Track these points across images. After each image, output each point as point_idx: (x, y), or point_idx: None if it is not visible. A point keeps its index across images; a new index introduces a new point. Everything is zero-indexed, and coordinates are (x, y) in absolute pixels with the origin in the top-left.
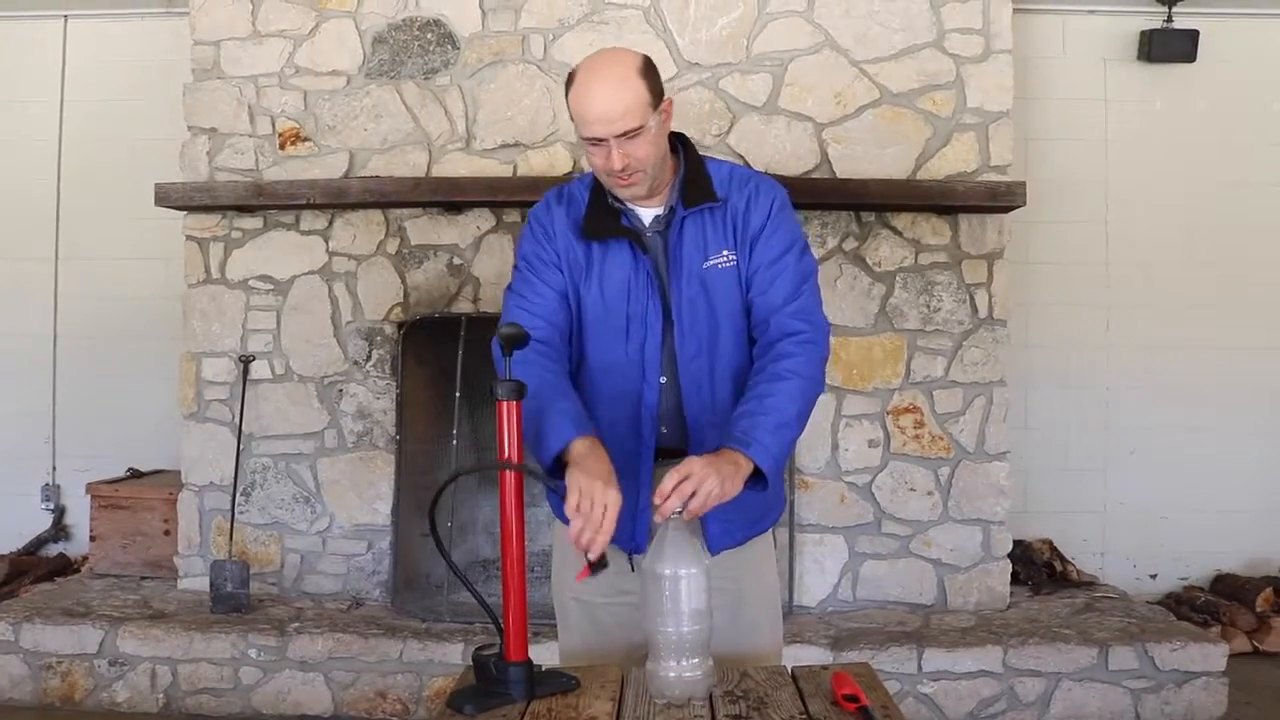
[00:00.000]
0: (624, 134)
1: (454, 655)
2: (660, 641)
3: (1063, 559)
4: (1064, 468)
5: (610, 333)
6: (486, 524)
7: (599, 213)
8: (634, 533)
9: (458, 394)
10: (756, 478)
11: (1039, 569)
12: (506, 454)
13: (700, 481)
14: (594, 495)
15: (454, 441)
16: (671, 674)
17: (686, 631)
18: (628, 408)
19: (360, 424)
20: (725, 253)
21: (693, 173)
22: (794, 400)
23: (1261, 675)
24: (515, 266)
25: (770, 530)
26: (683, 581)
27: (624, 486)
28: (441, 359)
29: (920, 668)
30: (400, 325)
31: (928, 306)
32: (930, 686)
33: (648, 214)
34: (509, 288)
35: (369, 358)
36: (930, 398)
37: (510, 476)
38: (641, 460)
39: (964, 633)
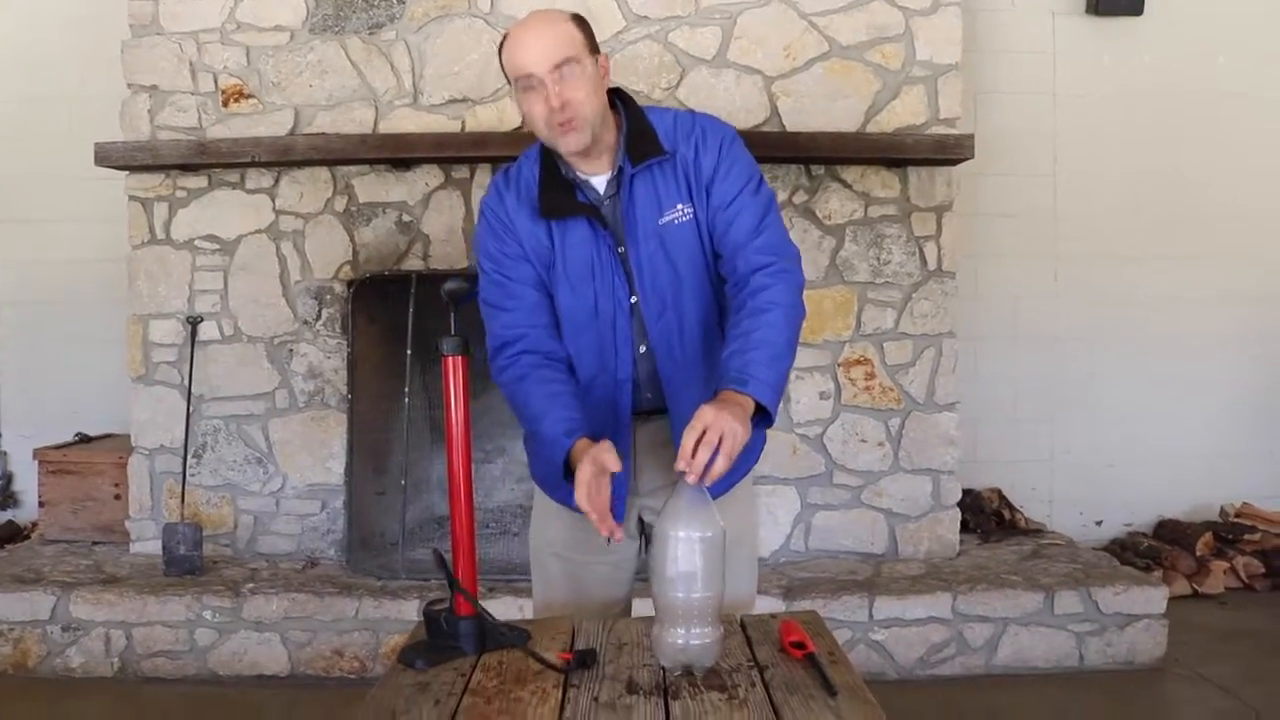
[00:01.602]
0: (558, 65)
1: (409, 612)
2: (669, 607)
3: (1011, 507)
4: (1013, 418)
5: (581, 314)
6: (440, 481)
7: (553, 189)
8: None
9: (409, 351)
10: (759, 415)
11: (988, 517)
12: (452, 411)
13: (721, 429)
14: (587, 491)
15: (406, 399)
16: (679, 641)
17: (698, 598)
18: (606, 387)
19: (311, 384)
20: (680, 206)
21: (636, 128)
22: (780, 329)
23: (1200, 616)
24: (480, 269)
25: (749, 474)
26: (698, 545)
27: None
28: (392, 317)
29: (871, 615)
30: (350, 284)
31: (878, 259)
32: (881, 633)
33: (600, 182)
34: (481, 298)
35: (319, 317)
36: (880, 350)
37: (458, 431)
38: (618, 434)
39: (914, 580)
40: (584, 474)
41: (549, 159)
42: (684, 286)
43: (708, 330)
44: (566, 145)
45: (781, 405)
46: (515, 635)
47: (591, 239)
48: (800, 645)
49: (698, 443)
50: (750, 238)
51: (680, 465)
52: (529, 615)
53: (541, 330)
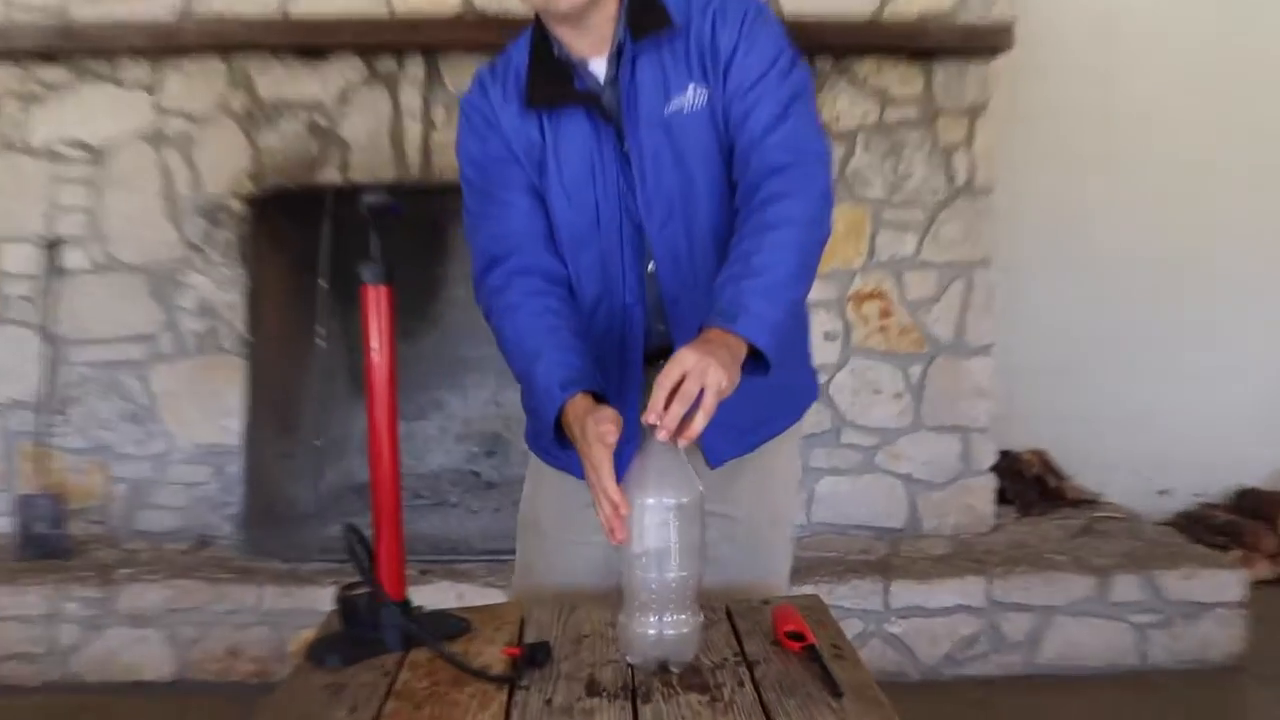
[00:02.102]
0: None
1: (324, 601)
2: (638, 589)
3: (1056, 473)
4: (1060, 365)
5: (580, 226)
6: (362, 441)
7: (545, 74)
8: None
9: (323, 283)
10: (755, 360)
11: (1028, 485)
12: (375, 354)
13: (701, 377)
14: (596, 481)
15: (319, 342)
16: (650, 631)
17: (673, 579)
18: (611, 315)
19: (202, 323)
20: (691, 87)
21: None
22: (787, 253)
23: None
24: (462, 176)
25: (794, 429)
26: (671, 514)
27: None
28: (303, 241)
29: (887, 603)
30: (250, 200)
31: (895, 172)
32: (899, 625)
33: (599, 65)
34: (465, 214)
35: (212, 241)
36: (899, 281)
37: (381, 379)
38: (626, 376)
39: (939, 561)
40: (600, 456)
41: (541, 42)
42: (695, 190)
43: (722, 245)
44: (560, 6)
45: None
46: (452, 625)
47: (591, 134)
48: (798, 636)
49: (673, 393)
50: (768, 131)
51: (650, 419)
52: (471, 602)
53: (536, 243)
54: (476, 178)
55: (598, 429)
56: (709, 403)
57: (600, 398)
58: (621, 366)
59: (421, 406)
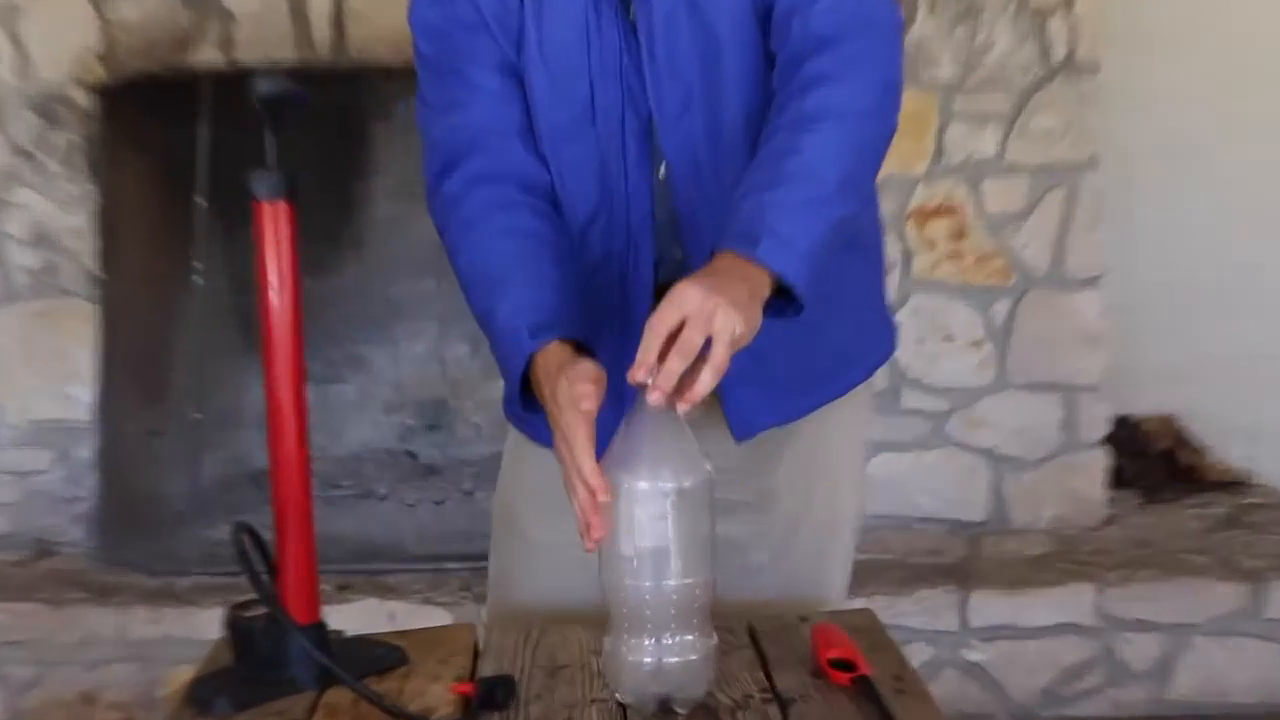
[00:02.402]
0: None
1: (208, 628)
2: (627, 604)
3: (1191, 446)
4: (1193, 302)
5: (567, 117)
6: (258, 415)
7: None
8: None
9: (200, 201)
10: (785, 299)
11: (1154, 462)
12: (274, 296)
13: (707, 322)
14: (567, 458)
15: (196, 280)
16: (646, 660)
17: (673, 588)
18: (610, 237)
19: (37, 256)
20: None
21: None
22: (833, 154)
23: None
24: (416, 53)
25: (859, 393)
26: (669, 502)
27: (607, 360)
28: (172, 145)
29: (965, 621)
30: (100, 91)
31: (970, 44)
32: (982, 650)
33: None
34: (419, 103)
35: (47, 146)
36: (976, 191)
37: (283, 329)
38: (627, 320)
39: (1034, 564)
40: (573, 425)
41: None
42: (722, 67)
43: (756, 142)
44: None
45: None
46: (382, 656)
47: None
48: (846, 665)
49: (670, 342)
50: None
51: (638, 376)
52: (406, 625)
53: (508, 139)
54: (433, 52)
55: (572, 390)
56: (718, 356)
57: (584, 349)
58: (621, 308)
59: (337, 366)
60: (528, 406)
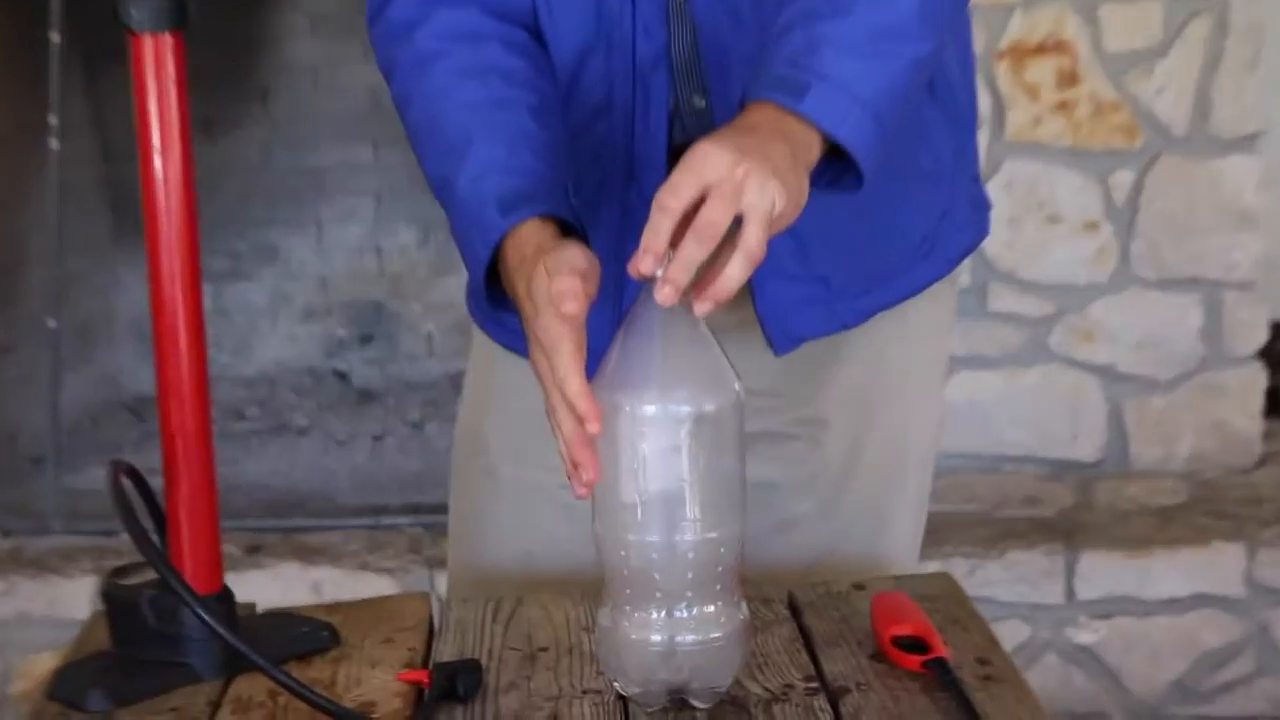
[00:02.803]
0: None
1: (77, 602)
2: (629, 566)
3: None
4: None
5: None
6: (137, 324)
7: None
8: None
9: (54, 36)
10: (839, 164)
11: None
12: (158, 161)
13: (736, 195)
14: (547, 376)
15: (52, 142)
16: (655, 638)
17: (690, 545)
18: (612, 79)
19: None
20: None
21: None
22: None
23: None
24: None
25: (939, 290)
26: (684, 432)
27: (602, 246)
28: None
29: (1072, 592)
30: None
31: None
32: (1093, 630)
33: None
34: None
35: None
36: (1092, 22)
37: (171, 206)
38: (632, 192)
39: (1164, 518)
40: (555, 333)
41: None
42: None
43: None
44: None
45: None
46: (306, 637)
47: None
48: (917, 645)
49: (687, 222)
50: None
51: (643, 266)
52: (337, 595)
53: None
54: None
55: (554, 285)
56: (752, 241)
57: (571, 229)
58: (624, 174)
59: (243, 258)
60: (496, 304)
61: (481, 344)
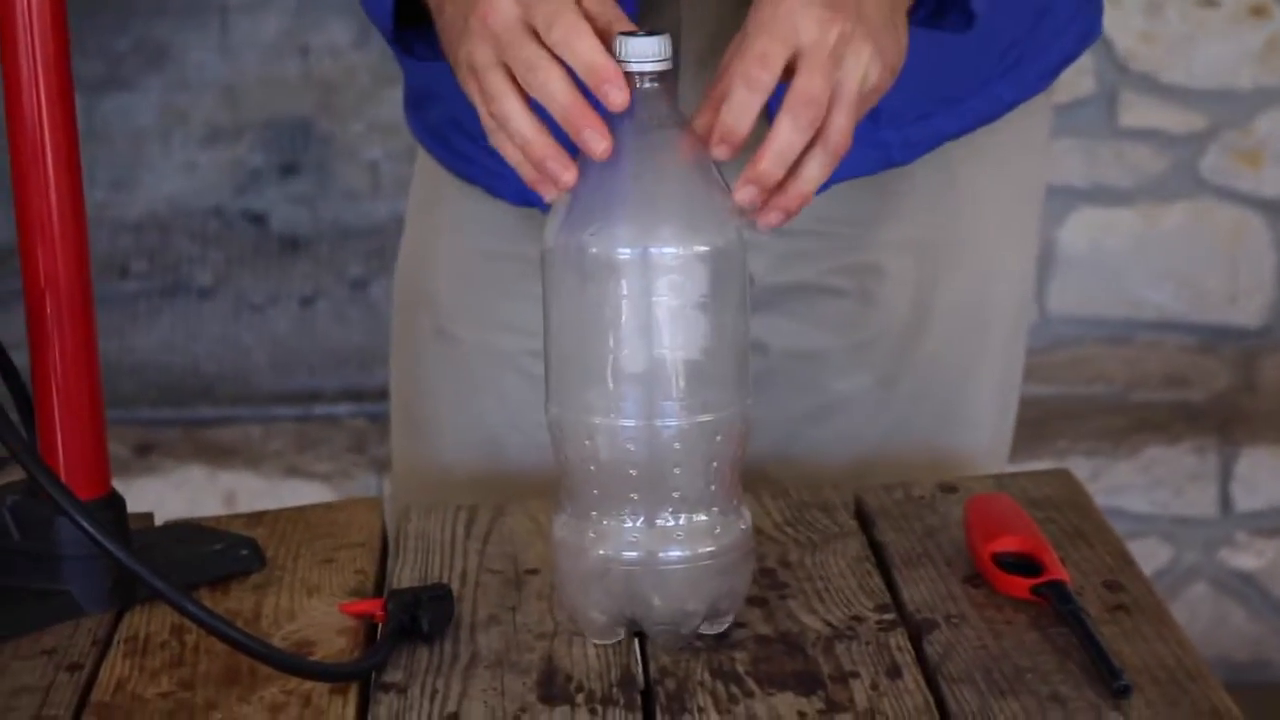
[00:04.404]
0: None
1: None
2: (595, 461)
3: None
4: None
5: None
6: None
7: None
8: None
9: None
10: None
11: None
12: None
13: (831, 67)
14: (517, 58)
15: None
16: (630, 555)
17: (673, 431)
18: None
19: None
20: None
21: None
22: None
23: None
24: None
25: (1036, 104)
26: (667, 281)
27: None
28: None
29: (1228, 500)
30: None
31: None
32: (1256, 552)
33: None
34: None
35: None
36: None
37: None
38: None
39: None
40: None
41: None
42: None
43: None
44: None
45: None
46: (224, 557)
47: None
48: (1027, 566)
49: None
50: None
51: (744, 196)
52: (255, 506)
53: None
54: None
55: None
56: (838, 131)
57: None
58: None
59: (124, 60)
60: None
61: (426, 171)
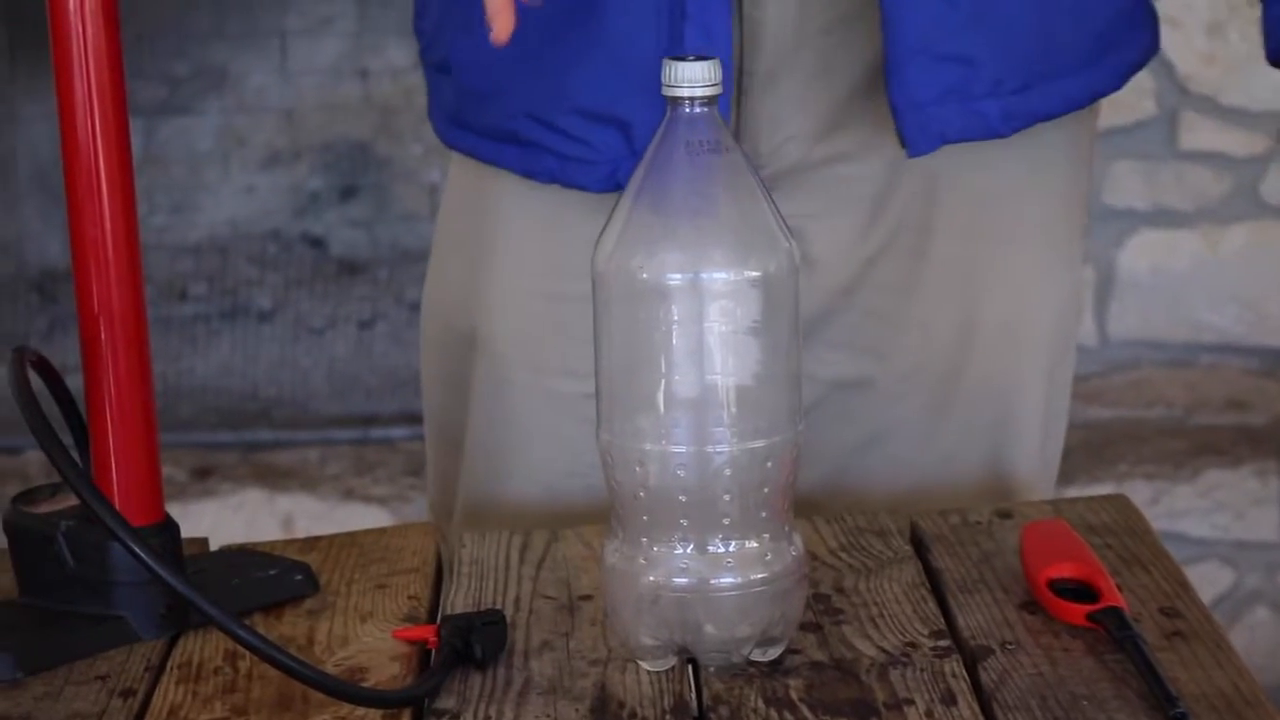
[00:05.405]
0: None
1: None
2: (645, 488)
3: None
4: None
5: None
6: (44, 172)
7: None
8: None
9: None
10: None
11: None
12: None
13: None
14: None
15: None
16: (680, 581)
17: (725, 457)
18: None
19: None
20: None
21: None
22: None
23: None
24: None
25: (1073, 122)
26: (718, 306)
27: None
28: None
29: None
30: None
31: None
32: None
33: None
34: None
35: None
36: None
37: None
38: None
39: None
40: None
41: None
42: None
43: None
44: None
45: None
46: (277, 583)
47: None
48: (1083, 592)
49: None
50: None
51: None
52: (312, 530)
53: None
54: None
55: None
56: None
57: None
58: None
59: (183, 84)
60: None
61: (470, 197)
